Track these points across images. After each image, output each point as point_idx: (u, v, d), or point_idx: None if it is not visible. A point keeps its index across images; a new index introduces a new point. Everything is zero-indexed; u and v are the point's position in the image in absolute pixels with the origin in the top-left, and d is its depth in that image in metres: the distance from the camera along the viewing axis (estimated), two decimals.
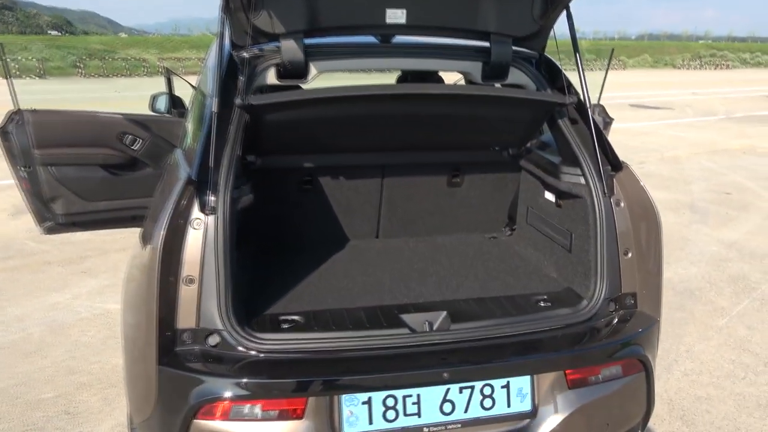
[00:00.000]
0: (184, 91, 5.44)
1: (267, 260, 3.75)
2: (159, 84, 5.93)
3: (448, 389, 2.61)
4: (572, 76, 3.36)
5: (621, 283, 2.97)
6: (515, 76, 3.52)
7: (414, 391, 2.57)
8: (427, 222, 4.18)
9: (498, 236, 4.26)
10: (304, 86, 3.40)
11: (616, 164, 3.18)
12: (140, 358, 2.55)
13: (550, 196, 3.55)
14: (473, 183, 4.13)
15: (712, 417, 3.98)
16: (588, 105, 3.23)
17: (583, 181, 3.12)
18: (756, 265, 6.41)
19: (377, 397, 2.54)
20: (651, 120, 17.58)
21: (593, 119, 3.26)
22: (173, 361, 2.49)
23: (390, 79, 4.77)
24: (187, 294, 2.53)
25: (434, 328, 2.77)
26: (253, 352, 2.56)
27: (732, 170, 10.86)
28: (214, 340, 2.56)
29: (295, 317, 2.90)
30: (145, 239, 2.66)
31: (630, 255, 3.03)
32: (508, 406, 2.68)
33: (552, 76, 3.52)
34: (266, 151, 3.57)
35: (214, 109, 2.76)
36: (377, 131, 3.45)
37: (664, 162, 11.20)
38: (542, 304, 2.94)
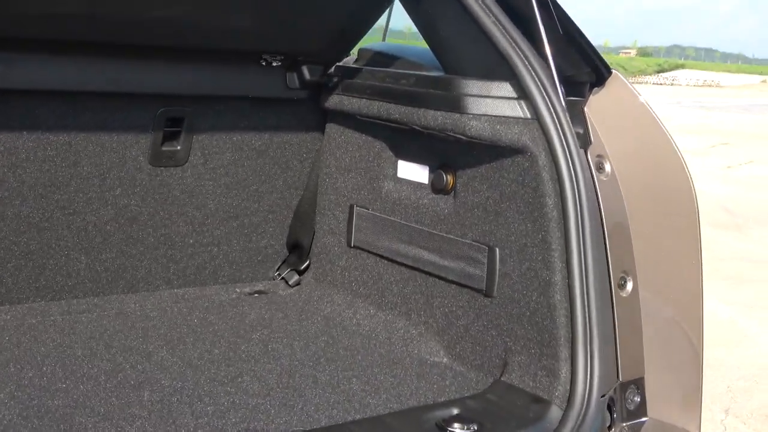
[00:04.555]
0: None
1: None
2: None
3: None
4: None
5: (618, 360, 1.70)
6: None
7: None
8: (107, 258, 2.16)
9: (267, 289, 2.40)
10: None
11: (593, 71, 1.76)
12: None
13: (415, 171, 2.06)
14: (214, 152, 2.25)
15: None
16: None
17: (523, 111, 1.72)
18: None
19: None
20: None
21: None
22: None
23: None
24: None
25: None
26: None
27: None
28: None
29: None
30: None
31: (629, 287, 1.71)
32: None
33: None
34: None
35: None
36: None
37: None
38: (459, 429, 1.60)
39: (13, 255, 1.94)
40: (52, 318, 1.97)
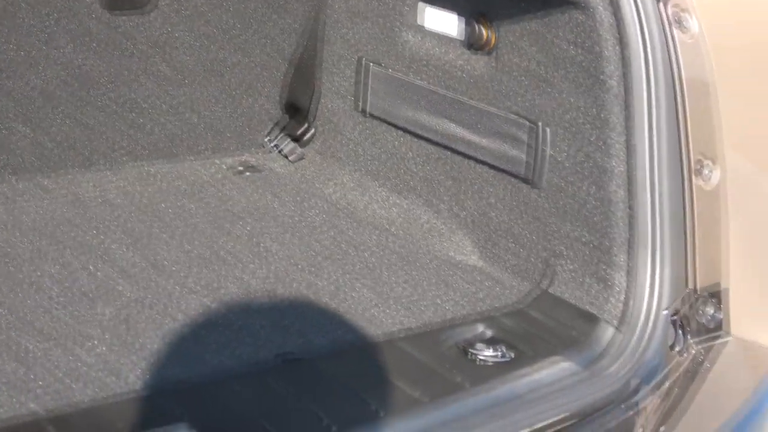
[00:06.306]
0: None
1: None
2: None
3: None
4: None
5: (689, 265, 1.47)
6: None
7: None
8: (57, 129, 1.96)
9: (259, 164, 2.16)
10: None
11: None
12: None
13: (445, 20, 1.80)
14: None
15: None
16: None
17: None
18: None
19: None
20: None
21: None
22: None
23: None
24: None
25: None
26: None
27: None
28: None
29: None
30: None
31: (713, 179, 1.50)
32: None
33: None
34: None
35: None
36: None
37: None
38: (490, 357, 1.41)
39: None
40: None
